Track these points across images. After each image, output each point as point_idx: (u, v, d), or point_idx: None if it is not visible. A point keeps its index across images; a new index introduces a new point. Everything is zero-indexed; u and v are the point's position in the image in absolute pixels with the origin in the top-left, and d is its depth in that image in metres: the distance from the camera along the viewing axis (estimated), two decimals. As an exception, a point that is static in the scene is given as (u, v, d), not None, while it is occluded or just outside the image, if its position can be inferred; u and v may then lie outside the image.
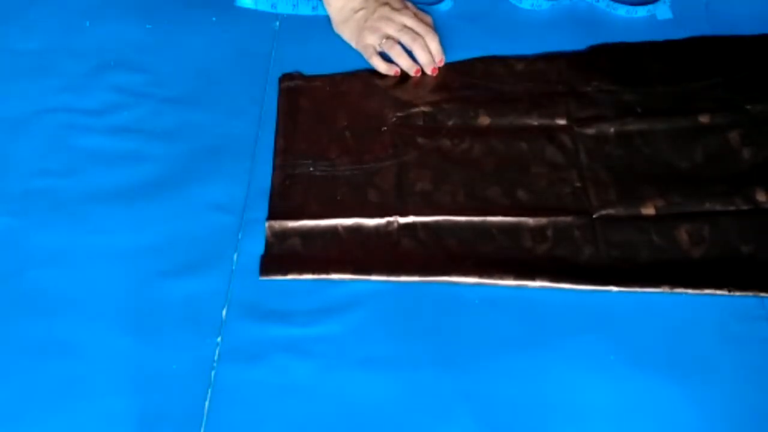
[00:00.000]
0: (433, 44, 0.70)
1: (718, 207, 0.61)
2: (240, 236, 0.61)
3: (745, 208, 0.61)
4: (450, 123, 0.67)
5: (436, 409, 0.53)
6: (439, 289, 0.58)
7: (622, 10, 0.75)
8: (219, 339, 0.56)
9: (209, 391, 0.53)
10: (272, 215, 0.61)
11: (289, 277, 0.59)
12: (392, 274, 0.58)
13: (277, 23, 0.75)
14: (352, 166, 0.64)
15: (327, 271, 0.58)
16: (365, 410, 0.53)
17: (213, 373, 0.54)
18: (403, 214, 0.61)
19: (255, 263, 0.59)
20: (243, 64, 0.71)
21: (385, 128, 0.67)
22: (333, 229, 0.61)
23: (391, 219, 0.61)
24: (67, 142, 0.66)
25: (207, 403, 0.53)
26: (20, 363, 0.54)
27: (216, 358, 0.55)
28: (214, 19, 0.75)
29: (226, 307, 0.57)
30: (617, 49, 0.72)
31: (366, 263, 0.59)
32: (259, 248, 0.60)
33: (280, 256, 0.60)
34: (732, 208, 0.61)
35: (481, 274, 0.58)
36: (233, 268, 0.59)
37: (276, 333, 0.56)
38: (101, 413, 0.52)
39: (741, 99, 0.67)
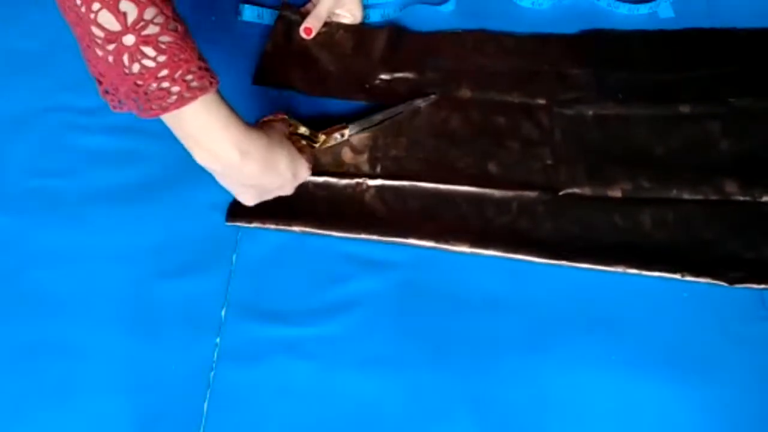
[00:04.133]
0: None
1: (686, 195, 0.61)
2: (239, 236, 0.60)
3: (713, 198, 0.61)
4: (432, 93, 0.68)
5: (436, 409, 0.53)
6: (439, 290, 0.58)
7: (624, 9, 0.74)
8: (218, 339, 0.56)
9: (208, 391, 0.53)
10: None
11: (253, 225, 0.60)
12: (354, 232, 0.60)
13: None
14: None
15: (290, 224, 0.60)
16: (365, 411, 0.53)
17: (212, 373, 0.54)
18: (372, 177, 0.63)
19: (254, 263, 0.59)
20: (242, 63, 0.71)
21: (368, 86, 0.68)
22: (303, 184, 0.62)
23: (360, 180, 0.63)
24: (65, 141, 0.65)
25: (206, 404, 0.53)
26: (18, 363, 0.55)
27: (215, 358, 0.55)
28: (213, 18, 0.74)
29: (224, 307, 0.57)
30: (609, 34, 0.72)
31: (330, 219, 0.60)
32: (258, 249, 0.60)
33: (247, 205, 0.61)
34: (699, 196, 0.61)
35: (437, 240, 0.59)
36: (232, 268, 0.59)
37: (275, 333, 0.56)
38: (100, 414, 0.53)
39: (726, 92, 0.67)
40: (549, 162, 0.63)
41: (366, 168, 0.63)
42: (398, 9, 0.75)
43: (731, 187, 0.61)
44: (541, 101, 0.67)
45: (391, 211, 0.61)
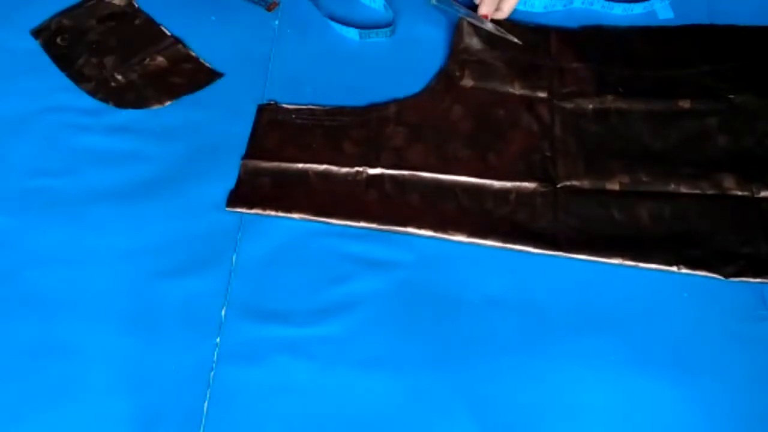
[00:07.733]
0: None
1: (683, 189, 0.61)
2: (239, 236, 0.60)
3: (710, 192, 0.61)
4: (433, 82, 0.68)
5: (436, 409, 0.53)
6: (440, 290, 0.58)
7: (619, 9, 0.74)
8: (218, 339, 0.55)
9: (208, 391, 0.53)
10: (248, 155, 0.64)
11: (253, 211, 0.61)
12: (353, 219, 0.60)
13: (277, 22, 0.75)
14: (332, 117, 0.66)
15: (290, 210, 0.61)
16: (365, 411, 0.53)
17: (212, 373, 0.54)
18: (372, 166, 0.63)
19: (254, 263, 0.59)
20: (243, 63, 0.71)
21: None
22: (303, 173, 0.63)
23: (360, 169, 0.63)
24: (65, 141, 0.65)
25: (206, 404, 0.53)
26: (18, 363, 0.54)
27: (215, 358, 0.55)
28: (213, 18, 0.75)
29: (225, 307, 0.57)
30: (609, 30, 0.73)
31: (329, 207, 0.61)
32: (258, 249, 0.60)
33: (247, 192, 0.62)
34: (697, 191, 0.61)
35: (436, 229, 0.60)
36: (232, 268, 0.59)
37: (275, 333, 0.56)
38: (99, 414, 0.52)
39: (725, 88, 0.67)
40: (548, 154, 0.64)
41: (366, 157, 0.64)
42: (399, 12, 0.75)
43: (729, 183, 0.61)
44: (542, 95, 0.68)
45: (390, 201, 0.62)
